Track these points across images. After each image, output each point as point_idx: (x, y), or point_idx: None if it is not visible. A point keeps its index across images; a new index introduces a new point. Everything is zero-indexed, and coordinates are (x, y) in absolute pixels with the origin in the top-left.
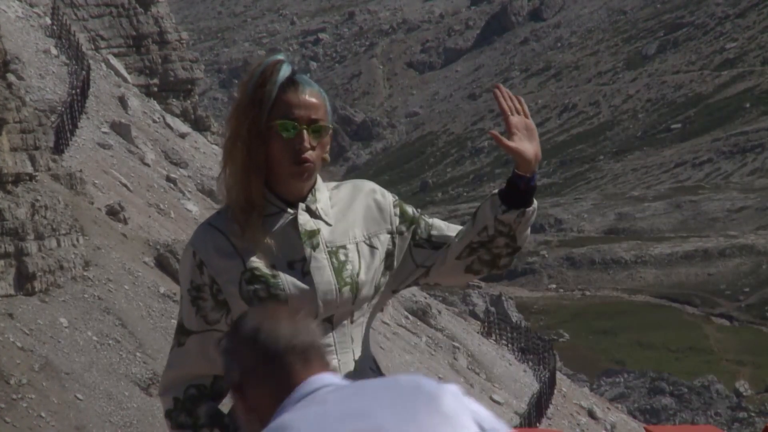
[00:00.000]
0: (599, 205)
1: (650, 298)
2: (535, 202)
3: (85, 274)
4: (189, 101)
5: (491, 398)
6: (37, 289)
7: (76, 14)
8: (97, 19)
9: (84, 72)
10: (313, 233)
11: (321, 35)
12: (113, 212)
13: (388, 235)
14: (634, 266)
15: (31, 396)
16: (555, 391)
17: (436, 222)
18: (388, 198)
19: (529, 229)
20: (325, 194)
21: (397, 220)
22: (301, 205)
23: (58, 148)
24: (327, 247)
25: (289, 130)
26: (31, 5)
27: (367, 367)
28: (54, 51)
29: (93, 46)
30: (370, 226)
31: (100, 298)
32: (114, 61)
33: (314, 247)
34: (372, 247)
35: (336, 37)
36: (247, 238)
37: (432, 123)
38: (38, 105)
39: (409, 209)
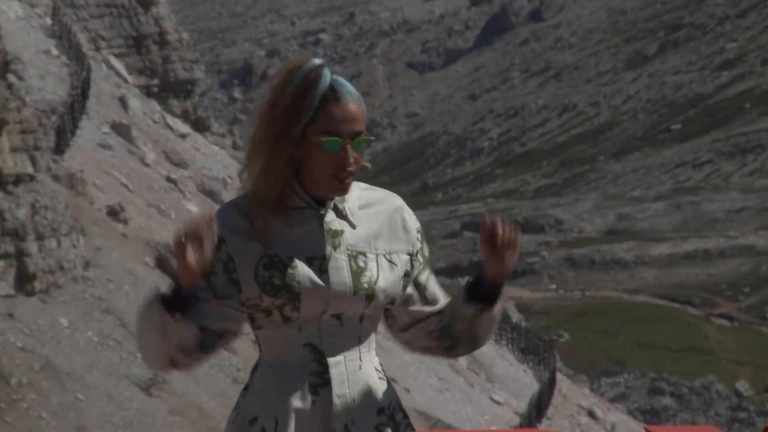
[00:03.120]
0: (599, 206)
1: (650, 298)
2: (500, 306)
3: (85, 274)
4: (189, 102)
5: (491, 398)
6: (37, 290)
7: (76, 15)
8: (98, 20)
9: (84, 72)
10: (337, 233)
11: (321, 36)
12: (113, 213)
13: (408, 257)
14: (634, 266)
15: (32, 396)
16: (555, 392)
17: (434, 281)
18: (414, 221)
19: (491, 332)
20: (355, 193)
21: (418, 245)
22: (329, 203)
23: (59, 149)
24: (348, 249)
25: (335, 146)
26: (31, 6)
27: (372, 367)
28: (54, 51)
29: (93, 47)
30: (392, 242)
31: (101, 299)
32: (114, 61)
33: (335, 247)
34: (392, 263)
35: (336, 37)
36: (269, 228)
37: (432, 123)
38: (39, 105)
39: (426, 247)
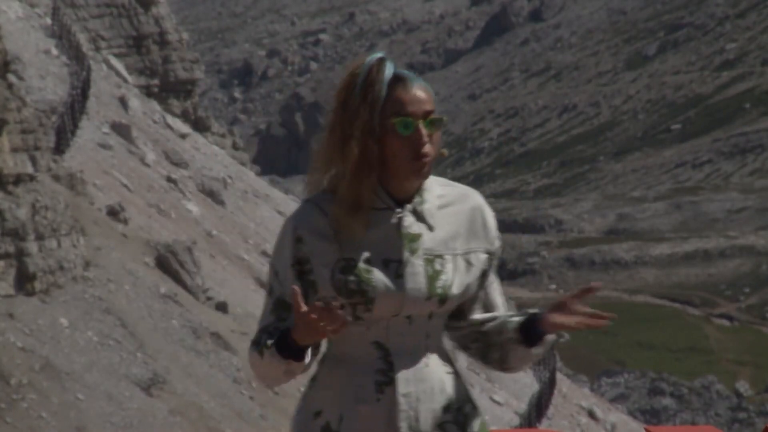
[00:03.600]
0: (599, 206)
1: (650, 298)
2: (539, 351)
3: (85, 274)
4: (189, 102)
5: (491, 398)
6: (37, 290)
7: (76, 15)
8: (98, 20)
9: (84, 72)
10: (415, 237)
11: (321, 36)
12: (114, 213)
13: (486, 255)
14: (634, 267)
15: (32, 396)
16: (555, 392)
17: (496, 285)
18: (493, 219)
19: (521, 366)
20: (434, 192)
21: (497, 244)
22: (408, 207)
23: (59, 149)
24: (425, 254)
25: (408, 126)
26: (31, 6)
27: (440, 362)
28: (54, 51)
29: (93, 47)
30: (471, 241)
31: (101, 299)
32: (114, 61)
33: (413, 252)
34: (469, 263)
35: (336, 37)
36: (350, 231)
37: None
38: (39, 105)
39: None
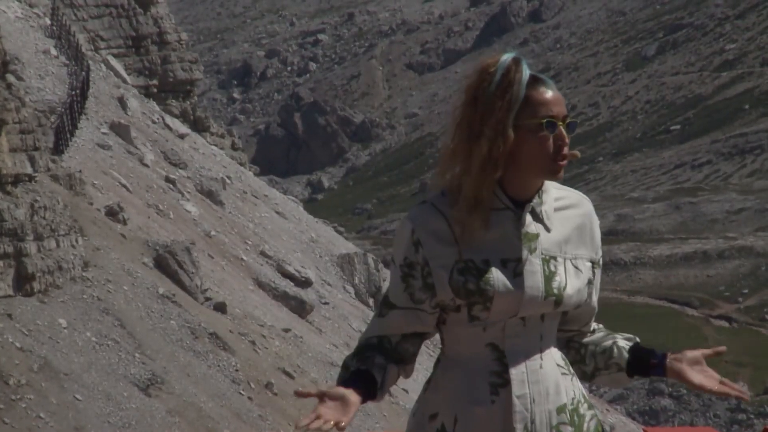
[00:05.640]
0: (598, 207)
1: (649, 299)
2: (632, 382)
3: (84, 274)
4: (188, 102)
5: None
6: (36, 290)
7: (75, 15)
8: (97, 20)
9: (83, 73)
10: (533, 237)
11: (320, 36)
12: (112, 213)
13: (590, 264)
14: (633, 268)
15: (30, 396)
16: None
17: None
18: (598, 228)
19: (607, 385)
20: (552, 195)
21: (600, 253)
22: (528, 206)
23: (58, 149)
24: (542, 253)
25: (553, 128)
26: (30, 6)
27: (554, 363)
28: (53, 51)
29: (92, 47)
30: (579, 247)
31: (99, 299)
32: (113, 61)
33: (531, 251)
34: (577, 269)
35: (335, 38)
36: (469, 230)
37: (431, 124)
38: (38, 106)
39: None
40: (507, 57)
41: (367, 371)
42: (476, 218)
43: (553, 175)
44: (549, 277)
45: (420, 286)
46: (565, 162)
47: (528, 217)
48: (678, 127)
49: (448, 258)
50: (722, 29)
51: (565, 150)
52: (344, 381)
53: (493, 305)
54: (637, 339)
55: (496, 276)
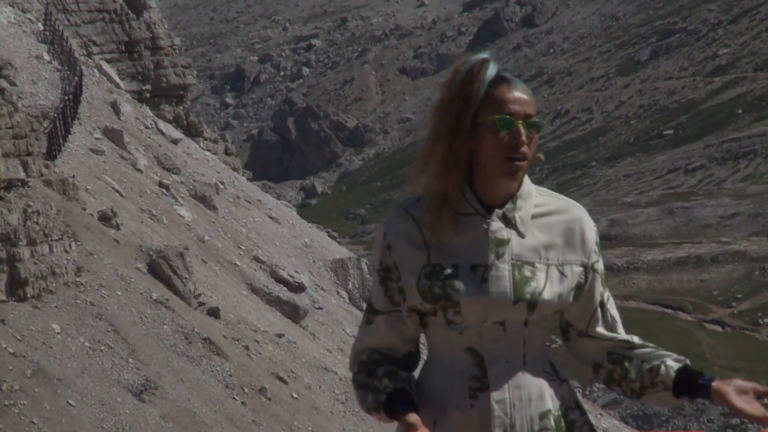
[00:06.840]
0: (592, 211)
1: (643, 304)
2: (678, 402)
3: (77, 279)
4: (181, 107)
5: None
6: (29, 295)
7: (68, 20)
8: (90, 25)
9: (76, 78)
10: (502, 242)
11: (313, 41)
12: (106, 218)
13: (582, 269)
14: (626, 272)
15: (23, 402)
16: None
17: (612, 302)
18: (593, 233)
19: (652, 405)
20: (531, 201)
21: (594, 257)
22: (497, 212)
23: (51, 154)
24: (513, 259)
25: (508, 125)
26: (23, 11)
27: (540, 369)
28: (46, 57)
29: (85, 52)
30: (567, 253)
31: (93, 304)
32: (106, 66)
33: (499, 257)
34: (563, 274)
35: (328, 43)
36: (436, 232)
37: (424, 129)
38: (30, 111)
39: (602, 263)
40: (477, 57)
41: (403, 389)
42: (443, 221)
43: (509, 176)
44: (521, 282)
45: (397, 288)
46: (522, 163)
47: (498, 223)
48: (671, 131)
49: (417, 262)
50: (715, 34)
51: (524, 149)
52: (389, 403)
53: (462, 310)
54: (687, 361)
55: (461, 281)
